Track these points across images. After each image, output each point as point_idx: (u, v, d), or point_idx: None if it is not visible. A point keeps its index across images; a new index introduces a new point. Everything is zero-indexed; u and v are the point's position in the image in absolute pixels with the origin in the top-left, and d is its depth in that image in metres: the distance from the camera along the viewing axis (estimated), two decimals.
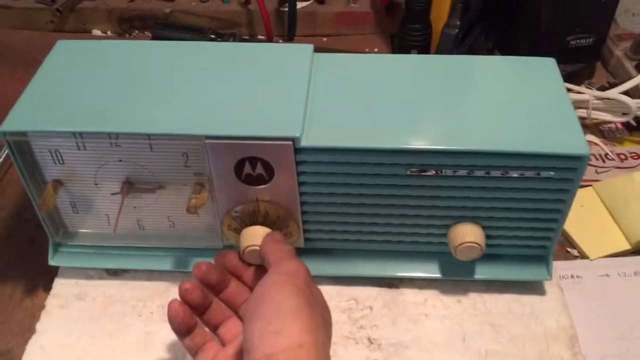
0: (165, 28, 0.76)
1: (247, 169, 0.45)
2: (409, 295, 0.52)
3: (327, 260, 0.52)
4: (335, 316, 0.50)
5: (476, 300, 0.51)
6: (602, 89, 0.69)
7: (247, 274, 0.47)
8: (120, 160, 0.46)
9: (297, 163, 0.45)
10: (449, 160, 0.44)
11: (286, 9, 0.80)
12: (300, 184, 0.46)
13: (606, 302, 0.52)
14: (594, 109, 0.66)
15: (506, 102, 0.47)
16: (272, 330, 0.35)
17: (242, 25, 0.83)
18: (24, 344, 0.49)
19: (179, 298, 0.43)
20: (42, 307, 0.51)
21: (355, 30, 0.84)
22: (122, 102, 0.46)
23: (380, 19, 0.83)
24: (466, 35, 0.72)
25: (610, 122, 0.69)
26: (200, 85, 0.48)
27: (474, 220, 0.48)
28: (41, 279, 0.54)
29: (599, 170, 0.64)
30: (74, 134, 0.45)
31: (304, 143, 0.44)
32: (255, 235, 0.47)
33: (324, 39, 0.84)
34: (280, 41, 0.83)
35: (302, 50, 0.51)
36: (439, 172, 0.45)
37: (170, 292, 0.52)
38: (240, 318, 0.45)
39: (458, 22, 0.69)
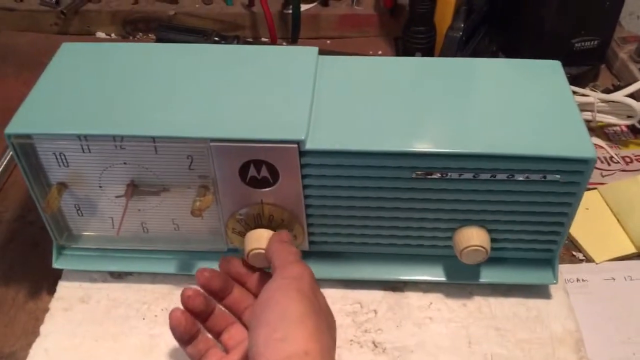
0: (169, 30, 0.76)
1: (252, 171, 0.45)
2: (414, 298, 0.52)
3: (332, 263, 0.52)
4: (339, 320, 0.50)
5: (481, 304, 0.51)
6: (607, 91, 0.69)
7: (251, 280, 0.47)
8: (125, 163, 0.46)
9: (302, 166, 0.45)
10: (454, 163, 0.44)
11: (290, 11, 0.80)
12: (305, 186, 0.46)
13: (612, 306, 0.52)
14: (598, 111, 0.66)
15: (512, 104, 0.47)
16: (277, 338, 0.34)
17: (245, 27, 0.83)
18: (27, 347, 0.49)
19: (181, 304, 0.43)
20: (46, 310, 0.51)
21: (359, 33, 0.84)
22: (127, 105, 0.46)
23: (384, 22, 0.83)
24: (470, 37, 0.72)
25: (615, 125, 0.68)
26: (205, 88, 0.48)
27: (479, 223, 0.48)
28: (45, 281, 0.54)
29: (605, 173, 0.64)
30: (78, 136, 0.45)
31: (309, 146, 0.44)
32: (259, 238, 0.47)
33: (328, 42, 0.84)
34: (284, 44, 0.83)
35: (307, 53, 0.51)
36: (444, 175, 0.45)
37: (174, 295, 0.52)
38: (244, 324, 0.45)
39: (462, 25, 0.69)
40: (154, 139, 0.44)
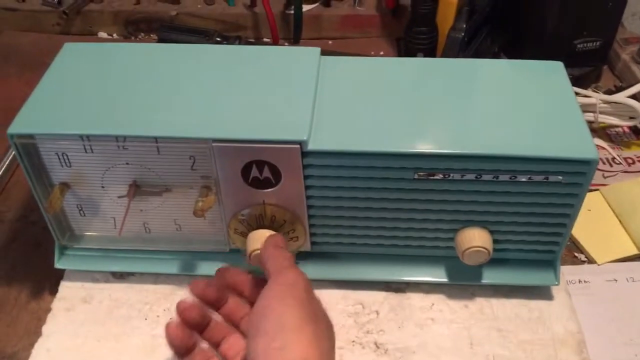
0: (171, 31, 0.76)
1: (254, 172, 0.45)
2: (416, 299, 0.52)
3: (334, 264, 0.52)
4: (341, 320, 0.50)
5: (483, 305, 0.51)
6: (609, 92, 0.69)
7: (247, 289, 0.46)
8: (127, 163, 0.46)
9: (304, 166, 0.45)
10: (456, 164, 0.44)
11: (292, 11, 0.80)
12: (307, 187, 0.46)
13: (614, 307, 0.52)
14: (600, 112, 0.66)
15: (514, 105, 0.47)
16: (276, 347, 0.34)
17: (247, 28, 0.83)
18: (30, 347, 0.49)
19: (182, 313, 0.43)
20: (48, 310, 0.51)
21: (361, 33, 0.84)
22: (129, 105, 0.46)
23: (386, 22, 0.83)
24: (472, 38, 0.72)
25: (617, 126, 0.68)
26: (207, 88, 0.48)
27: (481, 224, 0.48)
28: (47, 281, 0.54)
29: (607, 174, 0.63)
30: (81, 136, 0.45)
31: (311, 146, 0.44)
32: (261, 239, 0.47)
33: (330, 42, 0.84)
34: (286, 44, 0.83)
35: (309, 53, 0.51)
36: (446, 176, 0.45)
37: (176, 295, 0.52)
38: (242, 333, 0.44)
39: (464, 26, 0.69)
40: (156, 139, 0.44)
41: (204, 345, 0.44)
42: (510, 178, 0.44)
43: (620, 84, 0.73)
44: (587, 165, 0.43)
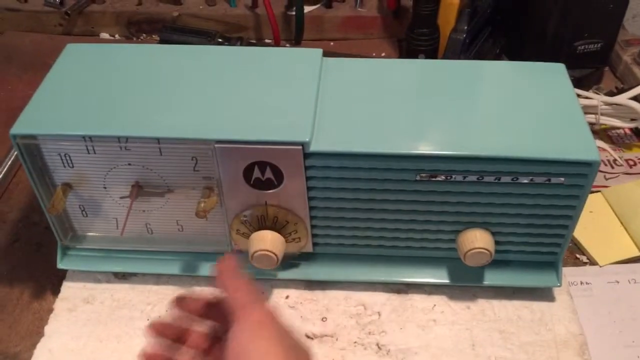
0: (173, 31, 0.76)
1: (256, 173, 0.45)
2: (418, 300, 0.52)
3: (336, 265, 0.52)
4: (343, 321, 0.50)
5: (485, 307, 0.51)
6: (610, 94, 0.69)
7: (207, 313, 0.43)
8: (130, 164, 0.46)
9: (306, 168, 0.45)
10: (458, 165, 0.44)
11: (294, 13, 0.80)
12: (309, 188, 0.46)
13: (616, 309, 0.52)
14: (602, 114, 0.66)
15: (516, 107, 0.47)
16: None
17: (249, 29, 0.83)
18: (32, 348, 0.49)
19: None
20: (50, 310, 0.51)
21: (363, 35, 0.84)
22: (132, 106, 0.46)
23: (388, 24, 0.83)
24: (473, 40, 0.72)
25: (618, 128, 0.68)
26: (209, 89, 0.48)
27: (483, 226, 0.48)
28: (49, 282, 0.54)
29: (608, 176, 0.64)
30: (83, 137, 0.45)
31: (313, 148, 0.44)
32: (264, 240, 0.47)
33: (331, 43, 0.84)
34: (288, 45, 0.83)
35: (311, 55, 0.51)
36: (448, 177, 0.45)
37: None
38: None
39: (466, 27, 0.69)
40: (158, 140, 0.45)
41: None
42: (512, 179, 0.44)
43: (622, 85, 0.73)
44: (589, 167, 0.43)
